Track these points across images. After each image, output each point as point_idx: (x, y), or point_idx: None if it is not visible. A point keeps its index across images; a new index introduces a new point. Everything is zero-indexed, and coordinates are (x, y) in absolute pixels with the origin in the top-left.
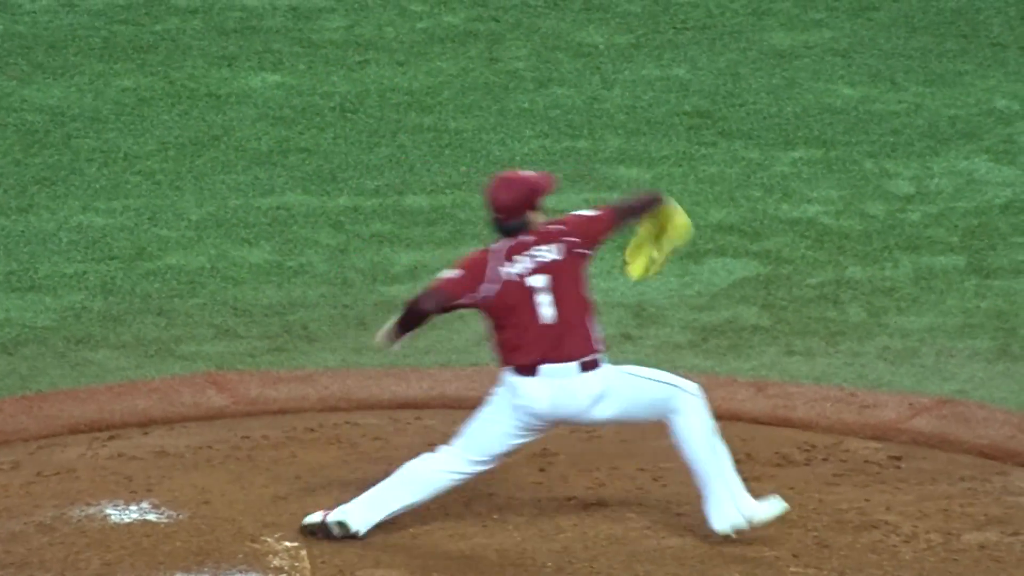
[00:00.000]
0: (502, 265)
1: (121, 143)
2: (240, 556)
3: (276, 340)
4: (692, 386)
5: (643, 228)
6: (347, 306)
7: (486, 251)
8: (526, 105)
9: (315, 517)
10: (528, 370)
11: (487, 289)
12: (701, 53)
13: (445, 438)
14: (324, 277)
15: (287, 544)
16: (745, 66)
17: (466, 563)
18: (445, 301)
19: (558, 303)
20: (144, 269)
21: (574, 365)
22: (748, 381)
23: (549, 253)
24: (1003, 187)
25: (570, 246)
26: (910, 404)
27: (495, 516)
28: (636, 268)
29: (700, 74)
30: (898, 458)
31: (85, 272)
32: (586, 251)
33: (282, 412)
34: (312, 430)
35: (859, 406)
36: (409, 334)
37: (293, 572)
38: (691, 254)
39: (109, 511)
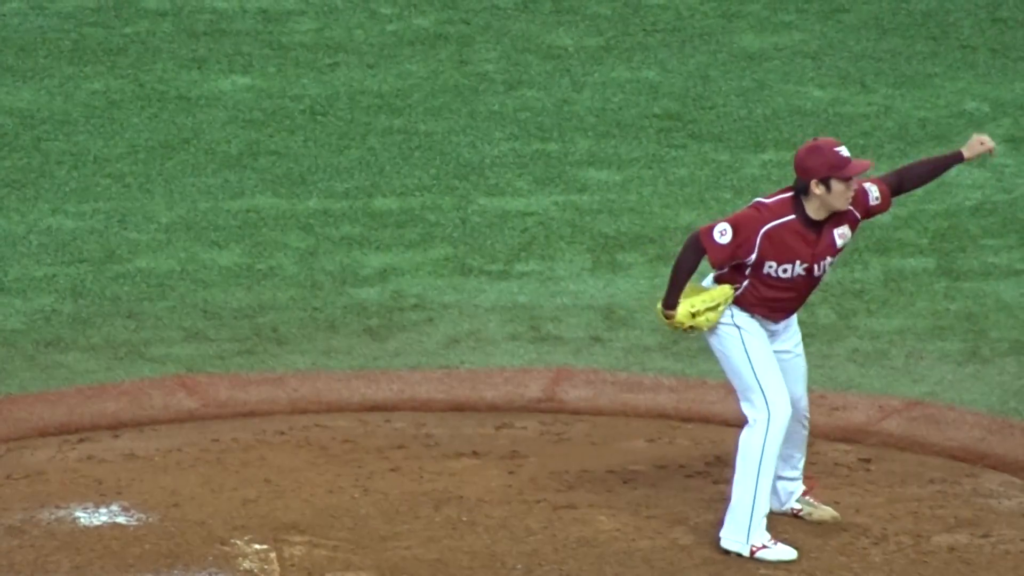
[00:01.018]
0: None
1: (91, 146)
2: (210, 558)
3: (246, 343)
4: (782, 404)
5: (699, 297)
6: (317, 308)
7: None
8: (496, 107)
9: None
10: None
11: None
12: (671, 56)
13: (415, 440)
14: (294, 280)
15: (256, 547)
16: (715, 68)
17: (436, 566)
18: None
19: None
20: (114, 272)
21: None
22: (718, 383)
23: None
24: (973, 189)
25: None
26: (880, 406)
27: (464, 519)
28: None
29: (670, 76)
30: (868, 460)
31: (55, 275)
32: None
33: (252, 415)
34: (282, 433)
35: (829, 408)
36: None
37: (262, 574)
38: (661, 256)
39: (79, 514)
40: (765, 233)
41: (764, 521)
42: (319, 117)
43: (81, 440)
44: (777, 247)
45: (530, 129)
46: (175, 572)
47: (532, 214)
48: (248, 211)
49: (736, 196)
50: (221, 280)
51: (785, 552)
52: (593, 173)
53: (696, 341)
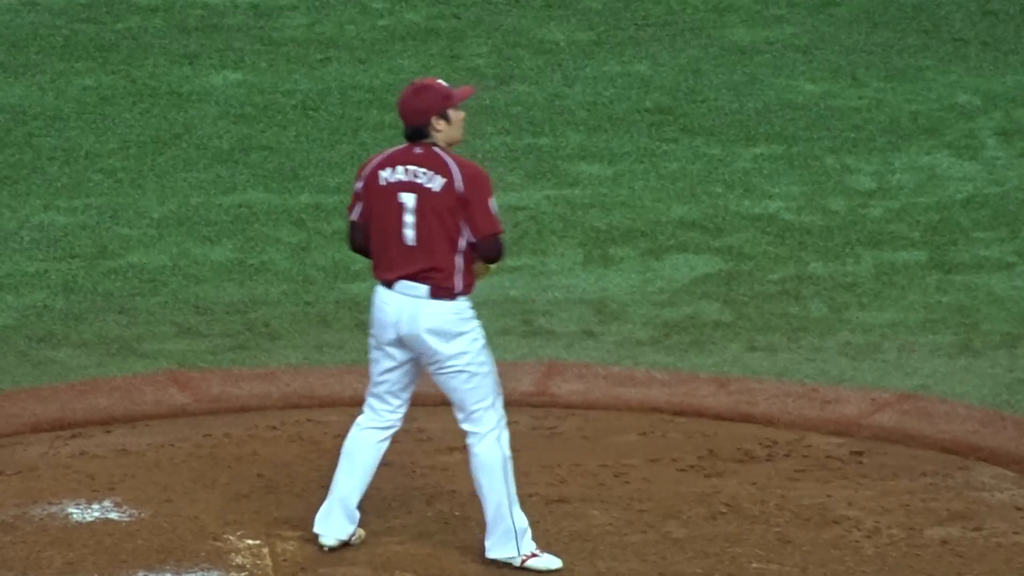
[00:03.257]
0: (382, 169)
1: (82, 141)
2: (202, 554)
3: (238, 338)
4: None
5: None
6: (309, 304)
7: (373, 156)
8: (487, 102)
9: None
10: (385, 282)
11: (360, 187)
12: (662, 49)
13: (407, 435)
14: (286, 275)
15: (249, 542)
16: (706, 62)
17: (429, 561)
18: (351, 225)
19: (420, 230)
20: (106, 267)
21: (426, 288)
22: (710, 377)
23: (430, 181)
24: (964, 182)
25: (453, 192)
26: (872, 399)
27: (457, 513)
28: None
29: (661, 70)
30: (860, 453)
31: (46, 271)
32: (460, 211)
33: (244, 410)
34: (274, 428)
35: (821, 401)
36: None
37: (255, 570)
38: (653, 250)
39: (71, 510)
40: None
41: (529, 531)
42: (311, 112)
43: (73, 436)
44: None
45: (521, 123)
46: (167, 568)
47: (523, 208)
48: (240, 206)
49: (728, 190)
50: (213, 275)
51: (552, 561)
52: (585, 167)
53: (688, 334)
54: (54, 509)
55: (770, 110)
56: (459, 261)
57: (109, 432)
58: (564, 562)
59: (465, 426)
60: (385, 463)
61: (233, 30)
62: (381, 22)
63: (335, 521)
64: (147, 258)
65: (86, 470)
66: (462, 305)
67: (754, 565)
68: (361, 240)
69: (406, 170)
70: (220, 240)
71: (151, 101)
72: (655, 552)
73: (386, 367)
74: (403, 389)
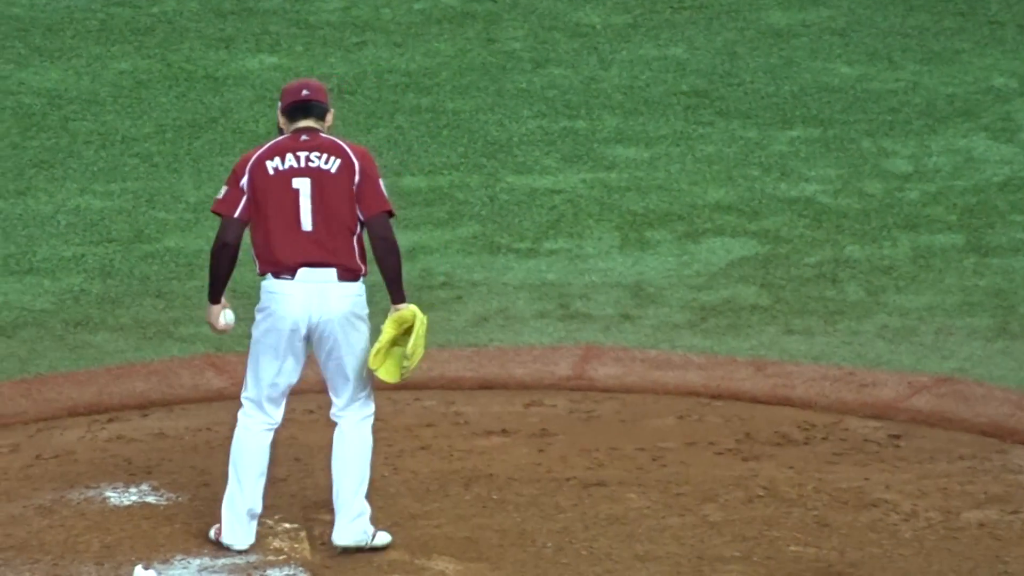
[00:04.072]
0: (268, 159)
1: (119, 125)
2: None
3: None
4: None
5: (385, 332)
6: None
7: (251, 151)
8: (523, 85)
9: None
10: (286, 272)
11: (244, 182)
12: (698, 33)
13: (444, 419)
14: None
15: (286, 525)
16: (742, 45)
17: (466, 544)
18: (228, 223)
19: (318, 214)
20: (142, 251)
21: (333, 271)
22: (747, 360)
23: (327, 163)
24: (1001, 165)
25: (350, 171)
26: (909, 383)
27: (494, 497)
28: (390, 373)
29: (697, 54)
30: (897, 437)
31: (83, 255)
32: (354, 188)
33: None
34: (311, 412)
35: (858, 385)
36: (223, 286)
37: (293, 554)
38: (690, 233)
39: (108, 493)
40: None
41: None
42: (347, 96)
43: (110, 420)
44: None
45: (557, 107)
46: (204, 551)
47: (560, 192)
48: None
49: (764, 173)
50: (249, 259)
51: (385, 536)
52: (621, 151)
53: (725, 318)
54: (92, 493)
55: (806, 93)
56: (357, 243)
57: (146, 416)
58: (602, 545)
59: (351, 409)
60: (422, 447)
61: (269, 13)
62: (417, 5)
63: (247, 529)
64: (183, 242)
65: (123, 454)
66: (363, 288)
67: (791, 548)
68: (235, 238)
69: (296, 156)
70: None
71: (187, 85)
72: (692, 535)
73: (282, 367)
74: (286, 390)
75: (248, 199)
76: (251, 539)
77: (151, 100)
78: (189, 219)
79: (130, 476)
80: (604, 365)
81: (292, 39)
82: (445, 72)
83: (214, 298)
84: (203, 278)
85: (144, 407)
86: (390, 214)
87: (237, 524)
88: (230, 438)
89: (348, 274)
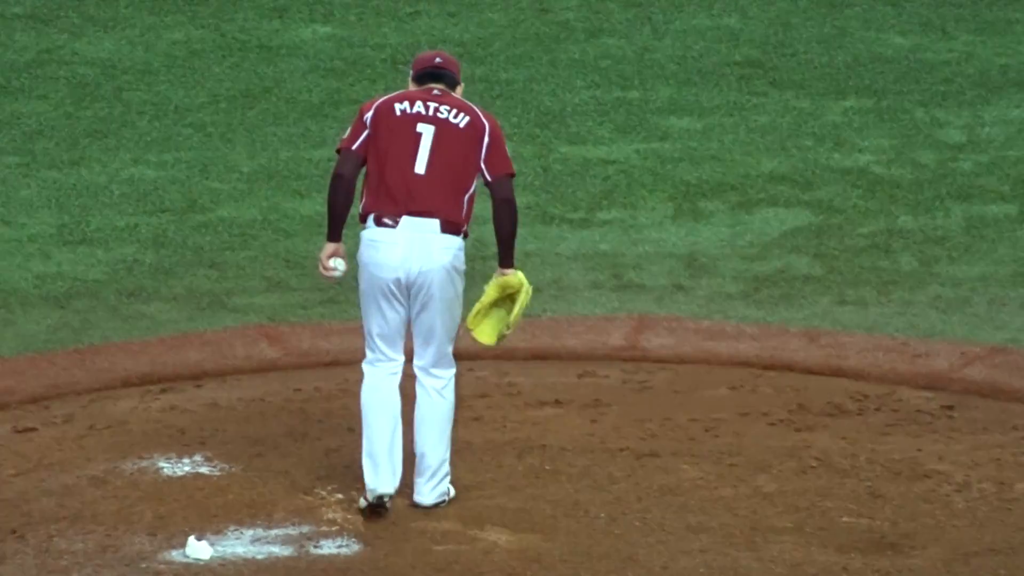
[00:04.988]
0: (398, 102)
1: (172, 96)
2: (293, 509)
3: (328, 292)
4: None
5: (488, 294)
6: None
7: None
8: (577, 56)
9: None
10: (389, 217)
11: (368, 117)
12: (752, 2)
13: (497, 389)
14: None
15: (340, 496)
16: (796, 15)
17: (519, 515)
18: (346, 155)
19: (434, 163)
20: (196, 221)
21: (437, 222)
22: (800, 331)
23: (455, 117)
24: None
25: (477, 129)
26: (962, 353)
27: (547, 467)
28: (487, 335)
29: (751, 23)
30: (950, 407)
31: (137, 225)
32: (479, 150)
33: (334, 364)
34: None
35: (911, 355)
36: (338, 222)
37: (346, 524)
38: (743, 203)
39: (162, 464)
40: None
41: None
42: (400, 66)
43: (164, 390)
44: None
45: (611, 77)
46: (258, 522)
47: (613, 162)
48: (330, 160)
49: (818, 143)
50: (303, 229)
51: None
52: (674, 121)
53: (778, 288)
54: (145, 463)
55: (860, 63)
56: (467, 202)
57: (199, 386)
58: (655, 516)
59: (433, 370)
60: (475, 417)
61: None
62: None
63: (389, 473)
64: (237, 212)
65: (177, 424)
66: (463, 244)
67: (844, 519)
68: (351, 171)
69: (426, 105)
70: (310, 194)
71: (240, 55)
72: (745, 506)
73: (389, 313)
74: (401, 332)
75: (369, 135)
76: (394, 482)
77: (204, 70)
78: (243, 189)
79: (183, 447)
80: (657, 336)
81: (345, 8)
82: (498, 42)
83: (331, 235)
84: (257, 248)
85: (197, 377)
86: (512, 176)
87: (375, 469)
88: (284, 409)
89: (451, 227)
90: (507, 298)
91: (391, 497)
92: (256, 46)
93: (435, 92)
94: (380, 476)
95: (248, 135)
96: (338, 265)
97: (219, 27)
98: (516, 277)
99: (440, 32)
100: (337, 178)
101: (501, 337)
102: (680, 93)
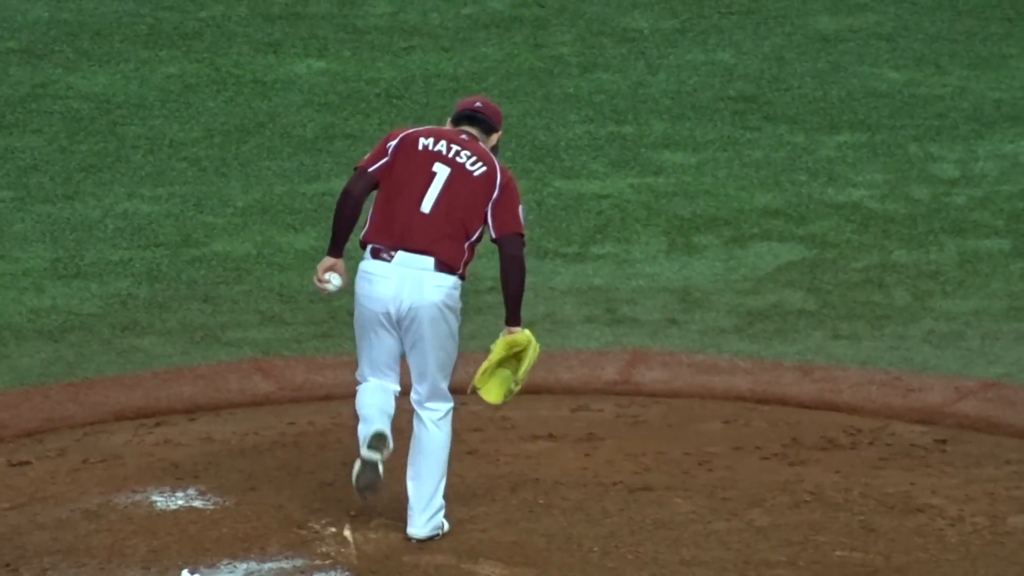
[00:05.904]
0: (424, 136)
1: (166, 130)
2: (287, 542)
3: (322, 326)
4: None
5: (495, 353)
6: None
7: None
8: (571, 90)
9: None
10: (385, 250)
11: (391, 146)
12: (746, 37)
13: (491, 423)
14: None
15: (333, 530)
16: (790, 50)
17: (513, 548)
18: (359, 174)
19: (441, 204)
20: (190, 256)
21: (431, 260)
22: (794, 365)
23: (472, 164)
24: None
25: (491, 184)
26: (956, 387)
27: (541, 501)
28: (494, 394)
29: (745, 59)
30: (944, 441)
31: (131, 259)
32: (485, 205)
33: (328, 398)
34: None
35: (905, 390)
36: (341, 238)
37: (339, 558)
38: (737, 238)
39: (155, 498)
40: None
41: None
42: (394, 100)
43: (158, 424)
44: None
45: (605, 112)
46: (252, 556)
47: (607, 196)
48: (324, 195)
49: (811, 178)
50: (297, 263)
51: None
52: (668, 155)
53: (772, 322)
54: (138, 497)
55: (854, 98)
56: (467, 249)
57: (193, 420)
58: (648, 550)
59: (428, 404)
60: (469, 451)
61: (317, 18)
62: (465, 10)
63: (378, 421)
64: (231, 246)
65: (170, 458)
66: (459, 285)
67: (837, 553)
68: (361, 190)
69: (449, 146)
70: (304, 228)
71: (235, 89)
72: (739, 540)
73: (383, 344)
74: (394, 362)
75: (387, 163)
76: (387, 424)
77: (199, 104)
78: (237, 223)
79: (177, 480)
80: (651, 370)
81: (340, 44)
82: (493, 77)
83: (331, 248)
84: (251, 282)
85: (191, 411)
86: (522, 236)
87: (367, 422)
88: (277, 443)
89: (445, 267)
90: (513, 356)
91: (383, 460)
92: (250, 81)
93: (463, 136)
94: (373, 423)
95: (242, 169)
96: (333, 279)
97: (213, 61)
98: (524, 335)
99: (434, 67)
100: (346, 194)
101: (508, 395)
102: (674, 128)
